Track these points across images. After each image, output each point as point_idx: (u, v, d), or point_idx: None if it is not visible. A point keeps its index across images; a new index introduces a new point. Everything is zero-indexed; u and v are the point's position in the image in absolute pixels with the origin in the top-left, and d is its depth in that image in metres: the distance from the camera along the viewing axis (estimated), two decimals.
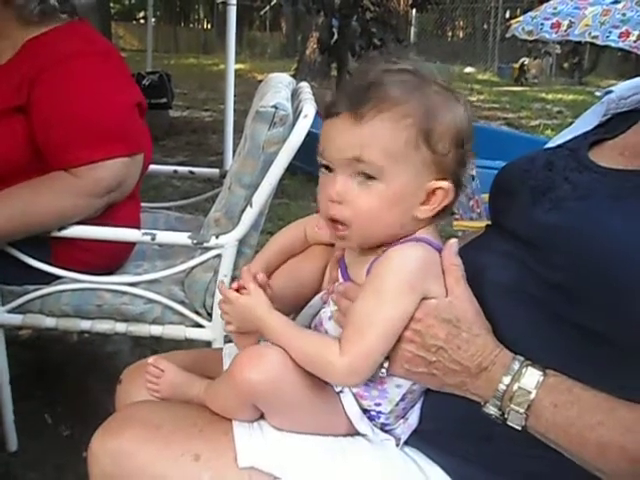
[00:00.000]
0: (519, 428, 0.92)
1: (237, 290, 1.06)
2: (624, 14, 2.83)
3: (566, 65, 16.68)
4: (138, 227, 1.99)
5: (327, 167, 0.99)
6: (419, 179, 0.96)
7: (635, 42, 2.96)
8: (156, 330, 1.86)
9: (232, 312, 1.07)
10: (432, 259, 0.98)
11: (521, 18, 3.37)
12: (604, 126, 1.20)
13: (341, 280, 1.06)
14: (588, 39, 2.91)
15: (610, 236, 0.91)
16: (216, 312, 1.81)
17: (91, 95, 1.79)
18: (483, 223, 1.24)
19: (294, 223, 1.22)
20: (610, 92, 1.24)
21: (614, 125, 1.17)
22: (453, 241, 1.01)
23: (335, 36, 8.38)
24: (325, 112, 0.97)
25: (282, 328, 1.01)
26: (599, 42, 2.81)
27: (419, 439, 1.06)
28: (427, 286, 0.96)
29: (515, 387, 0.91)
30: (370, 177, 0.95)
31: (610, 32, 2.82)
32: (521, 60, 15.24)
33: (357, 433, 1.06)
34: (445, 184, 0.98)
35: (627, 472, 0.87)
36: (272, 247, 1.20)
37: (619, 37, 2.80)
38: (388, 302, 0.94)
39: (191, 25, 32.49)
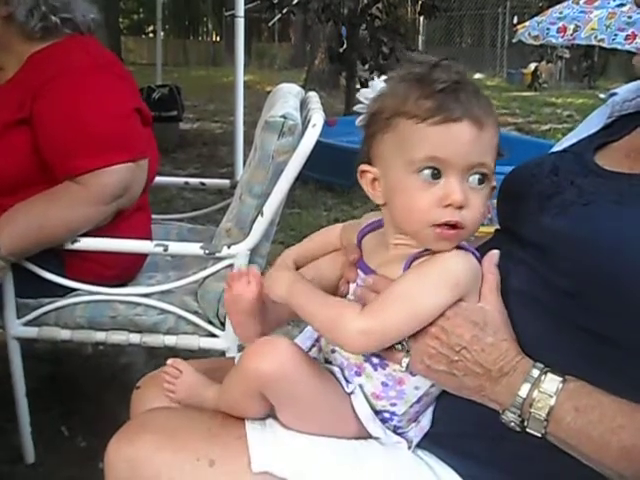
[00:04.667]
0: (539, 435, 0.91)
1: None
2: (629, 17, 2.82)
3: (575, 69, 16.60)
4: (149, 238, 2.02)
5: (434, 171, 0.95)
6: None
7: None
8: (170, 340, 1.87)
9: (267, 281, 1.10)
10: (478, 271, 1.00)
11: (527, 23, 3.37)
12: (609, 128, 1.20)
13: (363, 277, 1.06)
14: (594, 42, 2.91)
15: (616, 241, 0.91)
16: (229, 321, 1.82)
17: (92, 104, 1.83)
18: (493, 228, 1.24)
19: (331, 226, 1.24)
20: (614, 94, 1.24)
21: (619, 127, 1.18)
22: (495, 252, 1.02)
23: (344, 45, 8.38)
24: (433, 116, 0.93)
25: (308, 294, 1.02)
26: (605, 45, 2.81)
27: (432, 442, 1.06)
28: (467, 292, 0.98)
29: (535, 393, 0.91)
30: (482, 180, 0.97)
31: (616, 35, 2.82)
32: (533, 65, 15.11)
33: (369, 436, 1.06)
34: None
35: None
36: (307, 243, 1.22)
37: (625, 39, 2.79)
38: (427, 288, 0.95)
39: (200, 38, 32.68)
